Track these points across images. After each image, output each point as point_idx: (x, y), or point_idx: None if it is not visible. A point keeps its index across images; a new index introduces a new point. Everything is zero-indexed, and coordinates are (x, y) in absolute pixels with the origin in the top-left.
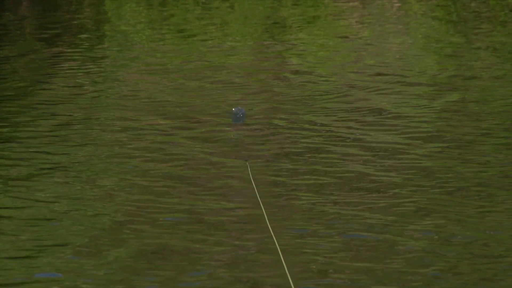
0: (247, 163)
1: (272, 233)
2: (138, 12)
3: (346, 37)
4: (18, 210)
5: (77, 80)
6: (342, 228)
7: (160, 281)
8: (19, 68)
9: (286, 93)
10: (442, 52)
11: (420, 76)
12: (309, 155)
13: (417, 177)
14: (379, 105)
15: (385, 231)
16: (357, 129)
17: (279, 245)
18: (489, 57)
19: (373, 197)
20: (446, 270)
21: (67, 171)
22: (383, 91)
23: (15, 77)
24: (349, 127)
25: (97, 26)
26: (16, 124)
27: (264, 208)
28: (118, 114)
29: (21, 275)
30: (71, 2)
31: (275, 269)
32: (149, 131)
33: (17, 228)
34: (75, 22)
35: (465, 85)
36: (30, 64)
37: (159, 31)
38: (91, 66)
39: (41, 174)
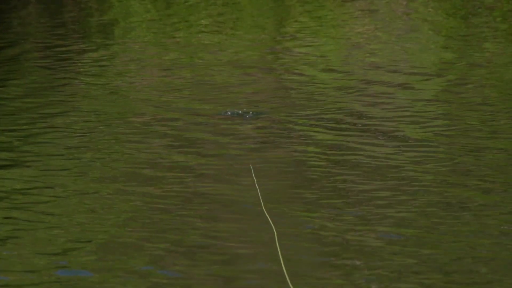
0: (250, 166)
1: (275, 232)
2: (144, 8)
3: (349, 35)
4: None
5: (67, 75)
6: (335, 227)
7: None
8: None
9: (283, 92)
10: (440, 52)
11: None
12: (297, 152)
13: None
14: (369, 105)
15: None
16: (351, 130)
17: (278, 244)
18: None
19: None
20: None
21: (26, 166)
22: (378, 92)
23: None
24: (345, 127)
25: (99, 20)
26: None
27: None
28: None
29: None
30: None
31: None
32: (141, 127)
33: None
34: (79, 15)
35: (447, 87)
36: (23, 56)
37: (162, 27)
38: (80, 61)
39: (6, 168)
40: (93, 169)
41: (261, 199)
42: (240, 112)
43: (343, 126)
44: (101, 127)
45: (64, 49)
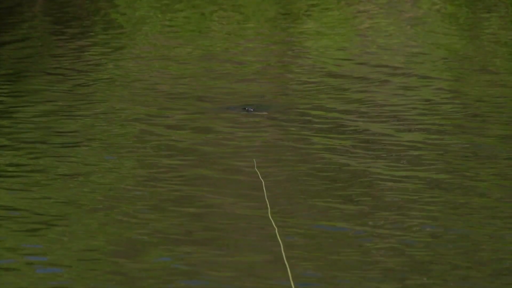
0: (254, 160)
1: (276, 232)
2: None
3: (355, 28)
4: None
5: (47, 66)
6: (345, 224)
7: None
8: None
9: (286, 83)
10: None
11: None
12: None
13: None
14: (376, 98)
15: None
16: (354, 121)
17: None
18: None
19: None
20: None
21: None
22: (381, 83)
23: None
24: (347, 120)
25: (102, 13)
26: None
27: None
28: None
29: None
30: None
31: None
32: (143, 120)
33: None
34: (83, 8)
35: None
36: (27, 50)
37: (167, 19)
38: (67, 54)
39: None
40: (53, 165)
41: (265, 194)
42: (236, 107)
43: (322, 123)
44: (67, 121)
45: (51, 42)
